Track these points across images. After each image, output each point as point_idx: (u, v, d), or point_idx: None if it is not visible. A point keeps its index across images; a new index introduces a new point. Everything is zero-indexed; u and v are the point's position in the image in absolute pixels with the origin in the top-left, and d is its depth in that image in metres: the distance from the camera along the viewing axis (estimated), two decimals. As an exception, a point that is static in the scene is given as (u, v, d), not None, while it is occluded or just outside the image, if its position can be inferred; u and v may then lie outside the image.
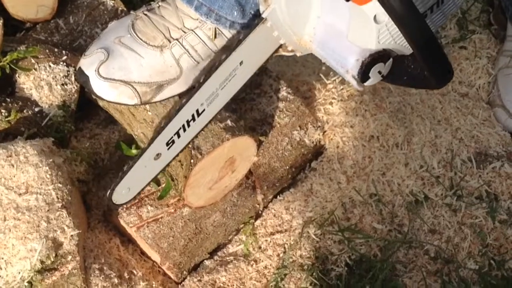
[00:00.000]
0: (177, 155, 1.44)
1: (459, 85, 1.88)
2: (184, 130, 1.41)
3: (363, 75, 1.22)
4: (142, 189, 1.47)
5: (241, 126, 1.53)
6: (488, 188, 1.72)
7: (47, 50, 1.63)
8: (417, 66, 1.21)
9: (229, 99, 1.45)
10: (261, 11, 1.34)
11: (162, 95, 1.47)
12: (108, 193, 1.41)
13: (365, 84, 1.24)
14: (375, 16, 1.17)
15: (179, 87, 1.48)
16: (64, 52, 1.64)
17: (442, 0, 1.25)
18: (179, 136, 1.41)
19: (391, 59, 1.22)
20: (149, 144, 1.39)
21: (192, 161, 1.45)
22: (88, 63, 1.44)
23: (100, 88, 1.43)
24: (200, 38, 1.46)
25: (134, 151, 1.61)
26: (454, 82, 1.89)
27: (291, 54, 1.42)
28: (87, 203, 1.63)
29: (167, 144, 1.41)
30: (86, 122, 1.67)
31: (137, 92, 1.44)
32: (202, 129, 1.45)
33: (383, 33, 1.20)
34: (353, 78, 1.23)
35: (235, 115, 1.55)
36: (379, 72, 1.22)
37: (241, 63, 1.40)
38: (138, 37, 1.45)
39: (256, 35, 1.36)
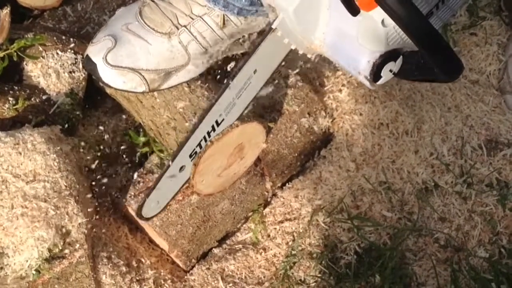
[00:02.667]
0: None
1: (469, 72, 1.86)
2: (205, 140, 1.41)
3: (375, 75, 1.22)
4: (170, 201, 1.48)
5: (250, 113, 1.51)
6: (499, 175, 1.71)
7: (54, 38, 1.61)
8: (427, 60, 1.20)
9: (246, 106, 1.46)
10: (270, 20, 1.33)
11: (170, 82, 1.46)
12: (137, 208, 1.43)
13: (377, 83, 1.23)
14: (382, 20, 1.18)
15: (188, 74, 1.47)
16: (71, 39, 1.62)
17: (447, -3, 1.25)
18: (201, 147, 1.42)
19: (401, 57, 1.22)
20: (173, 158, 1.39)
21: (201, 148, 1.43)
22: (95, 51, 1.43)
23: (108, 76, 1.42)
24: (208, 25, 1.44)
25: (142, 139, 1.61)
26: (464, 69, 1.86)
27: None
28: (95, 191, 1.62)
29: (190, 156, 1.41)
30: (94, 110, 1.66)
31: (145, 79, 1.43)
32: (222, 137, 1.45)
33: (391, 35, 1.20)
34: (366, 79, 1.23)
35: None
36: (390, 71, 1.22)
37: (255, 71, 1.40)
38: (146, 24, 1.44)
39: (268, 43, 1.36)
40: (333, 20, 1.24)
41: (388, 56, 1.20)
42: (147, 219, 1.49)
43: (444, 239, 1.64)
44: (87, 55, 1.44)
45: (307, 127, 1.68)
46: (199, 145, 1.41)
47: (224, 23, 1.44)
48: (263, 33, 1.38)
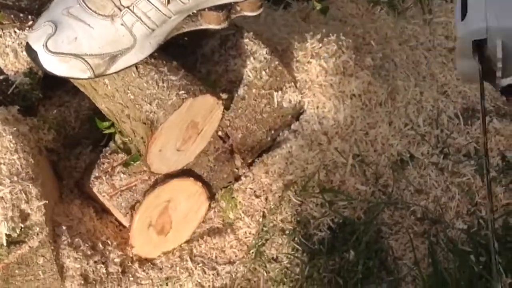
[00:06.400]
0: None
1: (445, 40, 1.80)
2: None
3: None
4: None
5: (199, 86, 1.46)
6: (476, 145, 1.65)
7: (12, 16, 1.56)
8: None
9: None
10: None
11: (117, 66, 1.41)
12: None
13: None
14: None
15: (135, 57, 1.41)
16: (30, 17, 1.57)
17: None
18: None
19: None
20: None
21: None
22: (35, 38, 1.37)
23: (50, 63, 1.37)
24: (152, 4, 1.37)
25: (106, 124, 1.56)
26: (440, 37, 1.81)
27: (252, 14, 1.35)
28: (58, 173, 1.58)
29: None
30: (55, 90, 1.60)
31: (89, 64, 1.38)
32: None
33: None
34: None
35: (191, 75, 1.48)
36: None
37: None
38: (87, 6, 1.38)
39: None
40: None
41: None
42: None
43: (421, 211, 1.59)
44: (27, 43, 1.39)
45: (276, 101, 1.63)
46: None
47: (168, 0, 1.38)
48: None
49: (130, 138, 1.50)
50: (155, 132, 1.39)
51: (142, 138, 1.43)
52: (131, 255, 1.55)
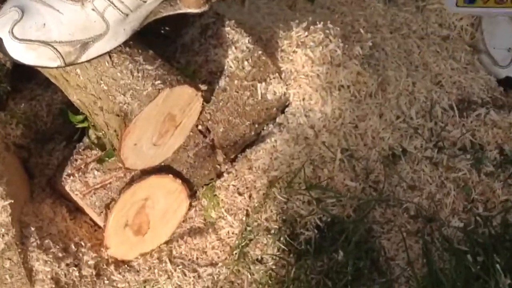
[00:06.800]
0: None
1: (439, 28, 1.75)
2: None
3: None
4: None
5: (176, 76, 1.39)
6: (472, 138, 1.60)
7: (-22, 5, 1.47)
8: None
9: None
10: None
11: (89, 54, 1.33)
12: None
13: None
14: None
15: (108, 44, 1.33)
16: (-2, 5, 1.48)
17: None
18: None
19: None
20: None
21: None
22: (0, 24, 1.30)
23: (17, 51, 1.30)
24: None
25: (79, 117, 1.50)
26: (434, 24, 1.75)
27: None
28: (29, 170, 1.51)
29: None
30: (26, 82, 1.53)
31: (59, 52, 1.30)
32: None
33: None
34: None
35: (168, 64, 1.42)
36: None
37: None
38: None
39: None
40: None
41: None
42: None
43: (414, 209, 1.53)
44: None
45: (260, 92, 1.55)
46: None
47: None
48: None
49: (103, 132, 1.43)
50: (129, 124, 1.32)
51: (115, 131, 1.36)
52: (106, 257, 1.48)
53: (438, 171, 1.55)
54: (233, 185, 1.54)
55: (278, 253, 1.48)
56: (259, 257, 1.48)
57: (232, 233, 1.52)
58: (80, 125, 1.50)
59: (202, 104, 1.44)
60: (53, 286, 1.38)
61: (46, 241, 1.41)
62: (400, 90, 1.61)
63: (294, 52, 1.59)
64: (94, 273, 1.44)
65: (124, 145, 1.35)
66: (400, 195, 1.54)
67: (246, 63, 1.53)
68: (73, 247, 1.45)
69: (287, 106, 1.59)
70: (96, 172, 1.47)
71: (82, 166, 1.47)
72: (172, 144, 1.44)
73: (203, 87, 1.45)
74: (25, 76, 1.52)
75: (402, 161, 1.56)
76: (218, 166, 1.56)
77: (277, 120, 1.58)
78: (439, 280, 1.42)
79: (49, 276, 1.38)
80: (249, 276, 1.46)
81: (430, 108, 1.61)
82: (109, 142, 1.44)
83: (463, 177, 1.55)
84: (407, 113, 1.60)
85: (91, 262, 1.45)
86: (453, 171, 1.56)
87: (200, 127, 1.50)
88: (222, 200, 1.54)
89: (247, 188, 1.53)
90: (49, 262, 1.39)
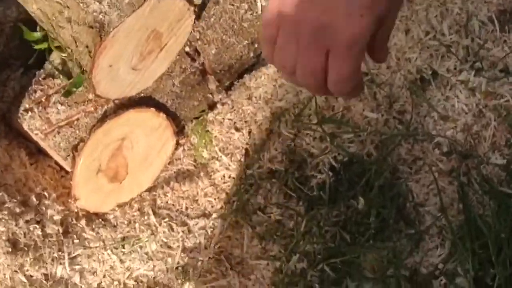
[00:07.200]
0: None
1: None
2: None
3: None
4: None
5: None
6: (517, 57, 1.46)
7: None
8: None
9: None
10: None
11: None
12: None
13: None
14: None
15: None
16: None
17: None
18: None
19: None
20: None
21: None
22: None
23: None
24: None
25: (37, 34, 1.35)
26: None
27: None
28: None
29: None
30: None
31: None
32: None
33: None
34: None
35: None
36: None
37: None
38: None
39: None
40: None
41: None
42: None
43: (447, 144, 1.39)
44: None
45: (260, 5, 1.41)
46: None
47: None
48: None
49: (70, 51, 1.28)
50: (106, 38, 1.19)
51: (87, 47, 1.25)
52: (75, 210, 1.33)
53: (476, 98, 1.43)
54: (229, 119, 1.45)
55: (284, 201, 1.37)
56: (262, 207, 1.38)
57: (229, 177, 1.41)
58: (38, 46, 1.38)
59: (194, 22, 1.31)
60: (10, 249, 1.24)
61: (0, 193, 1.26)
62: (430, 0, 1.49)
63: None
64: (60, 230, 1.30)
65: (98, 65, 1.22)
66: (430, 127, 1.42)
67: (242, -32, 1.41)
68: (34, 199, 1.31)
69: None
70: (60, 106, 1.35)
71: (43, 99, 1.36)
72: (154, 69, 1.32)
73: (197, 0, 1.32)
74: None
75: (432, 86, 1.43)
76: (210, 96, 1.45)
77: (281, 38, 1.41)
78: (479, 229, 1.30)
79: (4, 238, 1.25)
80: (250, 230, 1.34)
81: (466, 22, 1.47)
82: (76, 64, 1.31)
83: (505, 105, 1.42)
84: (438, 28, 1.47)
85: (57, 218, 1.30)
86: (494, 97, 1.43)
87: (187, 48, 1.39)
88: (215, 137, 1.43)
89: (245, 122, 1.43)
90: (3, 220, 1.25)
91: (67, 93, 1.29)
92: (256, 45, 1.42)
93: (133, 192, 1.36)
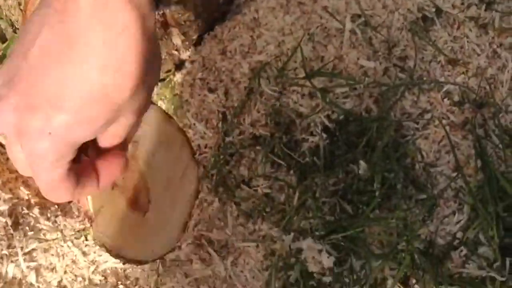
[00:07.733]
0: None
1: None
2: None
3: None
4: None
5: None
6: (534, -16, 1.30)
7: None
8: None
9: None
10: None
11: None
12: None
13: None
14: None
15: None
16: None
17: None
18: None
19: None
20: None
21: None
22: None
23: None
24: None
25: None
26: None
27: None
28: None
29: None
30: None
31: None
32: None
33: None
34: None
35: None
36: None
37: None
38: None
39: None
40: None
41: None
42: None
43: (459, 92, 1.22)
44: None
45: None
46: None
47: None
48: None
49: None
50: None
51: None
52: (25, 198, 1.13)
53: (488, 36, 1.26)
54: (201, 79, 1.23)
55: (272, 171, 1.17)
56: (246, 179, 1.18)
57: (205, 147, 1.20)
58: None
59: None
60: None
61: None
62: None
63: None
64: (9, 222, 1.10)
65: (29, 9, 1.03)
66: (438, 74, 1.24)
67: None
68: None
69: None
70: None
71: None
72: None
73: None
74: None
75: (436, 25, 1.25)
76: (176, 53, 1.25)
77: (258, -21, 1.28)
78: (502, 189, 1.14)
79: None
80: (234, 207, 1.16)
81: None
82: (8, 22, 1.10)
83: (523, 42, 1.26)
84: (440, -45, 1.28)
85: (4, 208, 1.10)
86: (509, 34, 1.27)
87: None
88: (186, 101, 1.22)
89: (221, 81, 1.22)
90: None
91: (2, 58, 1.10)
92: (228, -11, 1.20)
93: None
